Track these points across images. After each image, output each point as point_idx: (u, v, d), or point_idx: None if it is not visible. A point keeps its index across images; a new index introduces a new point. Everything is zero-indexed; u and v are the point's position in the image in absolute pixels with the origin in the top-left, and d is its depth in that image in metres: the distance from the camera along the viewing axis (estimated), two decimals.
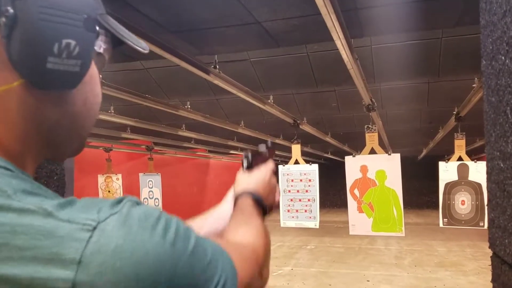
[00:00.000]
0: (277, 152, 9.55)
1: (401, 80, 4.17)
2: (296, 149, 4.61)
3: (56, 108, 0.52)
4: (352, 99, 4.42)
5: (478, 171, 4.23)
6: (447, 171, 4.35)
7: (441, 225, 4.44)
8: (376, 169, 3.91)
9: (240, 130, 5.63)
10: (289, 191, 4.39)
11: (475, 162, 4.28)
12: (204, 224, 0.88)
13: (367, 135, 4.10)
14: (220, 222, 0.87)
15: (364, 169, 3.96)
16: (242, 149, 8.93)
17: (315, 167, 4.37)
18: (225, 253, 0.51)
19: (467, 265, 7.24)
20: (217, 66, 3.02)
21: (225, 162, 13.46)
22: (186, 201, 10.29)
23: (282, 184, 4.41)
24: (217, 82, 3.12)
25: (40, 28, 0.46)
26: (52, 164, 1.35)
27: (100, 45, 0.55)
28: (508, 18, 0.93)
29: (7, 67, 0.47)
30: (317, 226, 4.33)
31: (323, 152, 11.05)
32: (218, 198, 1.01)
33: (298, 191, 4.36)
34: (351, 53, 2.52)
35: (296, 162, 4.53)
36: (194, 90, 4.31)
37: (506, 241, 0.99)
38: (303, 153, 4.97)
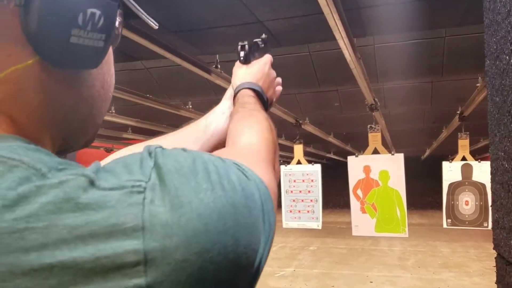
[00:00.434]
0: (279, 152, 9.52)
1: (404, 80, 4.15)
2: (298, 149, 4.59)
3: (74, 90, 0.47)
4: (355, 98, 4.40)
5: (482, 171, 4.20)
6: (451, 171, 4.32)
7: (445, 225, 4.41)
8: (379, 169, 3.89)
9: None
10: (292, 191, 4.38)
11: (479, 162, 4.26)
12: (208, 127, 0.87)
13: (370, 135, 4.08)
14: (223, 121, 0.85)
15: (367, 169, 3.94)
16: None
17: (317, 167, 4.35)
18: (248, 170, 0.47)
19: (471, 266, 7.20)
20: (219, 66, 3.01)
21: None
22: None
23: (284, 185, 4.39)
24: (218, 82, 3.11)
25: None
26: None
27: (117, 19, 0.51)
28: None
29: (20, 42, 0.41)
30: (320, 227, 4.31)
31: (325, 152, 11.04)
32: None
33: (300, 191, 4.35)
34: (353, 52, 2.50)
35: (299, 163, 4.52)
36: (196, 90, 4.30)
37: (511, 242, 0.97)
38: (306, 153, 4.95)
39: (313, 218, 4.31)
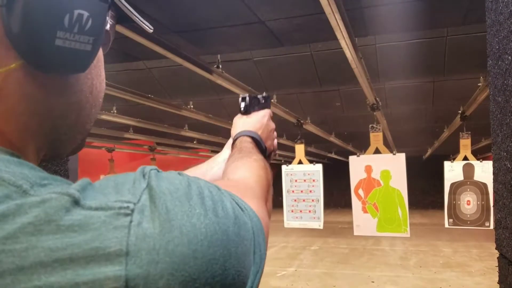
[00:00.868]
0: (280, 152, 9.54)
1: (405, 79, 4.15)
2: (299, 149, 4.59)
3: (60, 96, 0.44)
4: (356, 98, 4.39)
5: (483, 171, 4.19)
6: (452, 171, 4.31)
7: (446, 225, 4.40)
8: (381, 169, 3.89)
9: None
10: (293, 191, 4.38)
11: (480, 161, 4.24)
12: (208, 172, 0.87)
13: (371, 134, 4.07)
14: (222, 167, 0.85)
15: (368, 169, 3.94)
16: None
17: (319, 167, 4.35)
18: (242, 201, 0.46)
19: (473, 265, 7.19)
20: (220, 66, 3.01)
21: None
22: None
23: (285, 185, 4.39)
24: (220, 82, 3.11)
25: None
26: (56, 165, 1.33)
27: (107, 21, 0.48)
28: None
29: (3, 45, 0.39)
30: (321, 227, 4.31)
31: (327, 152, 11.02)
32: None
33: (302, 191, 4.34)
34: (355, 52, 2.50)
35: (300, 162, 4.51)
36: (197, 90, 4.30)
37: None
38: (307, 153, 4.95)
39: (314, 218, 4.31)
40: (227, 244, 0.37)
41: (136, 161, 8.61)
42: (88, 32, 0.42)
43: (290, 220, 4.37)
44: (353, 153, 4.06)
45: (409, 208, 3.88)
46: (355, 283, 6.32)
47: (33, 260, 0.31)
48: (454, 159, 4.40)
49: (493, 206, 1.05)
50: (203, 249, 0.35)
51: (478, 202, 4.23)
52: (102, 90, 0.52)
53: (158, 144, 7.50)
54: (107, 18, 0.47)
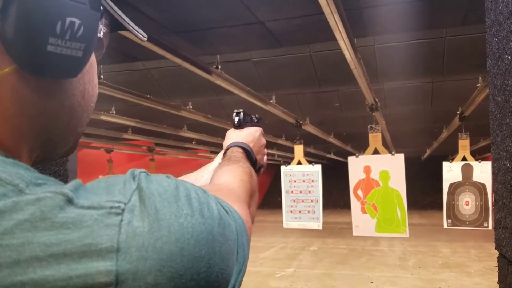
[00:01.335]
0: (279, 153, 9.54)
1: (404, 80, 4.15)
2: (298, 149, 4.59)
3: (52, 100, 0.46)
4: (355, 99, 4.40)
5: (482, 172, 4.19)
6: (451, 172, 4.32)
7: (445, 226, 4.40)
8: (380, 169, 3.89)
9: None
10: (292, 191, 4.37)
11: (479, 162, 4.25)
12: (198, 180, 0.90)
13: (370, 135, 4.07)
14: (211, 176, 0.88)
15: (367, 169, 3.94)
16: None
17: (318, 167, 4.35)
18: (226, 203, 0.49)
19: (472, 266, 7.19)
20: (219, 66, 3.01)
21: None
22: None
23: (284, 185, 4.39)
24: (219, 82, 3.11)
25: (43, 1, 0.40)
26: (55, 166, 1.33)
27: (100, 29, 0.50)
28: None
29: None
30: (320, 227, 4.31)
31: (326, 153, 11.03)
32: None
33: (301, 191, 4.34)
34: (354, 52, 2.50)
35: (299, 163, 4.51)
36: (196, 91, 4.30)
37: None
38: (306, 154, 4.95)
39: (313, 219, 4.31)
40: (212, 243, 0.40)
41: (135, 162, 8.60)
42: (79, 39, 0.43)
43: (289, 220, 4.37)
44: (352, 154, 4.06)
45: (408, 208, 3.88)
46: (354, 284, 6.32)
47: (29, 254, 0.33)
48: (452, 159, 4.41)
49: (493, 206, 1.06)
50: (189, 247, 0.37)
51: (477, 203, 4.24)
52: (95, 95, 0.53)
53: (157, 144, 7.50)
54: (100, 26, 0.49)
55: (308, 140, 7.13)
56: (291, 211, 4.36)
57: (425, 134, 7.65)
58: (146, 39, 0.59)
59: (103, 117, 4.22)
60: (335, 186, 14.86)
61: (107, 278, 0.33)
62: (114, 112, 4.36)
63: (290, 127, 5.01)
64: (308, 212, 4.31)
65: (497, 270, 1.14)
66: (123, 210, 0.37)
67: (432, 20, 2.72)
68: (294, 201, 4.36)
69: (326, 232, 10.19)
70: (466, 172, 4.27)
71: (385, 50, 3.40)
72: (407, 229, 3.85)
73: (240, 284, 0.46)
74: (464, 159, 4.36)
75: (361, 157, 4.01)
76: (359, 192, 3.98)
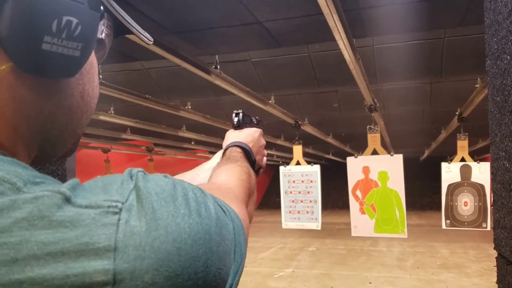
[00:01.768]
0: (278, 153, 9.54)
1: (403, 81, 4.16)
2: (297, 150, 4.59)
3: (50, 100, 0.45)
4: (354, 99, 4.40)
5: (481, 172, 4.20)
6: (449, 172, 4.32)
7: (443, 226, 4.41)
8: (378, 170, 3.89)
9: None
10: (291, 192, 4.38)
11: (478, 163, 4.26)
12: (195, 179, 0.90)
13: (369, 135, 4.08)
14: (208, 174, 0.88)
15: (366, 170, 3.94)
16: None
17: (316, 168, 4.35)
18: (224, 203, 0.49)
19: (470, 266, 7.20)
20: (218, 67, 3.01)
21: None
22: None
23: (283, 185, 4.39)
24: (218, 82, 3.11)
25: None
26: (53, 165, 1.33)
27: (102, 30, 0.49)
28: None
29: None
30: (319, 228, 4.31)
31: (324, 153, 11.04)
32: None
33: (299, 192, 4.34)
34: (353, 53, 2.51)
35: (298, 163, 4.51)
36: (195, 91, 4.30)
37: None
38: (305, 154, 4.95)
39: (312, 219, 4.31)
40: (209, 243, 0.40)
41: (134, 162, 8.60)
42: (77, 39, 0.43)
43: (288, 221, 4.37)
44: (350, 154, 4.06)
45: (407, 209, 3.89)
46: (353, 284, 6.32)
47: (26, 253, 0.33)
48: (451, 160, 4.41)
49: (492, 206, 1.06)
50: (186, 247, 0.37)
51: (475, 203, 4.24)
52: (95, 96, 0.53)
53: (156, 145, 7.49)
54: (101, 26, 0.48)
55: (307, 141, 7.14)
56: (290, 212, 4.36)
57: (423, 134, 7.66)
58: (151, 42, 0.59)
59: (101, 117, 4.22)
60: (334, 187, 14.89)
61: (105, 277, 0.33)
62: (112, 112, 4.35)
63: (289, 127, 5.01)
64: (307, 212, 4.31)
65: (495, 270, 1.14)
66: (120, 209, 0.36)
67: (430, 21, 2.72)
68: (293, 201, 4.36)
69: (324, 233, 10.20)
70: (465, 173, 4.28)
71: (384, 50, 3.40)
72: (405, 229, 3.86)
73: (237, 284, 0.46)
74: (462, 159, 4.37)
75: (359, 157, 4.01)
76: (358, 193, 3.98)
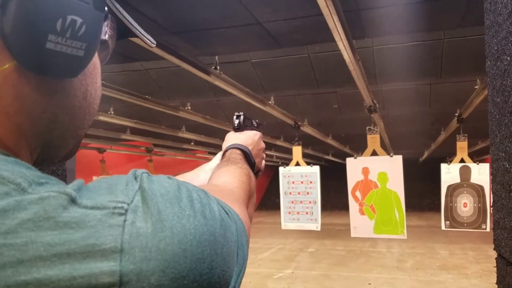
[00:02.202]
0: (277, 154, 9.54)
1: (403, 82, 4.16)
2: (297, 150, 4.59)
3: (53, 99, 0.45)
4: (354, 100, 4.40)
5: (480, 173, 4.20)
6: (449, 173, 4.32)
7: (443, 227, 4.41)
8: (378, 171, 3.89)
9: None
10: (290, 193, 4.37)
11: (477, 164, 4.26)
12: (195, 179, 0.90)
13: (368, 136, 4.08)
14: (209, 176, 0.88)
15: (365, 171, 3.94)
16: None
17: (316, 169, 4.35)
18: (226, 205, 0.49)
19: (470, 268, 7.20)
20: (218, 67, 3.01)
21: None
22: None
23: (283, 186, 4.39)
24: (217, 83, 3.11)
25: None
26: (53, 165, 1.33)
27: (105, 31, 0.49)
28: None
29: None
30: (319, 229, 4.31)
31: (324, 154, 11.04)
32: None
33: (299, 193, 4.34)
34: (352, 54, 2.51)
35: (297, 164, 4.51)
36: (195, 91, 4.30)
37: None
38: (304, 155, 4.95)
39: (311, 220, 4.31)
40: (214, 244, 0.40)
41: (133, 163, 8.59)
42: (81, 38, 0.43)
43: (287, 221, 4.37)
44: (350, 155, 4.06)
45: (406, 210, 3.89)
46: (352, 285, 6.32)
47: (32, 254, 0.32)
48: (451, 161, 4.42)
49: (491, 207, 1.06)
50: (192, 248, 0.37)
51: (475, 205, 4.24)
52: (98, 97, 0.53)
53: (155, 145, 7.49)
54: (105, 27, 0.48)
55: (307, 142, 7.14)
56: (289, 212, 4.36)
57: (423, 136, 7.66)
58: (154, 45, 0.58)
59: (101, 118, 4.22)
60: (333, 188, 14.87)
61: (111, 278, 0.33)
62: (112, 112, 4.35)
63: (288, 128, 5.01)
64: (306, 213, 4.31)
65: (495, 271, 1.14)
66: (126, 210, 0.36)
67: (430, 22, 2.73)
68: (292, 202, 4.36)
69: (324, 234, 10.20)
70: (464, 174, 4.28)
71: (384, 51, 3.40)
72: (405, 230, 3.86)
73: (239, 285, 0.46)
74: (462, 161, 4.37)
75: (359, 158, 4.01)
76: (357, 194, 3.98)
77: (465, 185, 4.28)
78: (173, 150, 8.48)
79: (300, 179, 4.37)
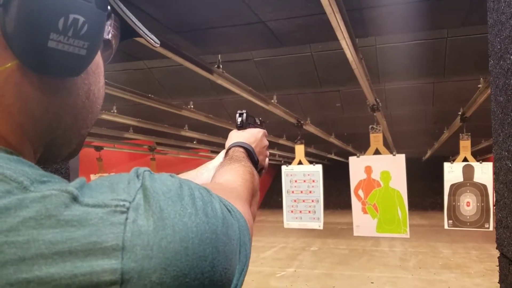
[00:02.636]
0: (280, 153, 9.54)
1: (406, 80, 4.15)
2: (299, 149, 4.59)
3: (56, 99, 0.45)
4: (357, 99, 4.40)
5: (483, 172, 4.19)
6: (452, 172, 4.31)
7: (446, 226, 4.40)
8: (381, 170, 3.89)
9: None
10: (293, 191, 4.37)
11: (480, 163, 4.25)
12: (198, 178, 0.90)
13: (371, 135, 4.07)
14: (211, 174, 0.88)
15: (368, 169, 3.94)
16: None
17: (318, 167, 4.35)
18: (229, 203, 0.49)
19: (472, 267, 7.19)
20: (221, 66, 3.01)
21: None
22: None
23: (285, 185, 4.39)
24: (220, 82, 3.11)
25: None
26: (57, 163, 1.33)
27: (108, 30, 0.49)
28: None
29: (0, 44, 0.40)
30: (321, 227, 4.31)
31: (326, 153, 11.03)
32: None
33: (301, 191, 4.34)
34: (355, 53, 2.50)
35: (300, 163, 4.51)
36: (197, 90, 4.30)
37: None
38: (307, 154, 4.95)
39: (314, 219, 4.31)
40: (216, 242, 0.40)
41: (136, 161, 8.61)
42: (83, 37, 0.42)
43: (289, 220, 4.37)
44: (353, 154, 4.06)
45: (409, 209, 3.88)
46: (355, 284, 6.32)
47: (34, 252, 0.33)
48: (453, 160, 4.40)
49: (494, 206, 1.06)
50: (194, 246, 0.37)
51: (478, 204, 4.23)
52: (101, 97, 0.53)
53: (158, 144, 7.50)
54: (108, 27, 0.48)
55: (309, 140, 7.14)
56: (292, 211, 4.36)
57: (426, 134, 7.64)
58: (158, 45, 0.58)
59: (104, 116, 4.23)
60: (336, 186, 14.85)
61: (113, 276, 0.33)
62: (115, 111, 4.36)
63: (291, 127, 5.01)
64: (309, 212, 4.32)
65: (498, 270, 1.14)
66: (128, 208, 0.36)
67: (433, 21, 2.72)
68: (295, 201, 4.36)
69: (326, 232, 10.19)
70: (467, 173, 4.27)
71: (387, 50, 3.40)
72: (407, 229, 3.85)
73: (242, 284, 0.46)
74: (465, 160, 4.36)
75: (362, 157, 4.01)
76: (360, 193, 3.98)
77: (468, 184, 4.27)
78: (175, 148, 8.49)
79: (302, 177, 4.37)
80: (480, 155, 8.88)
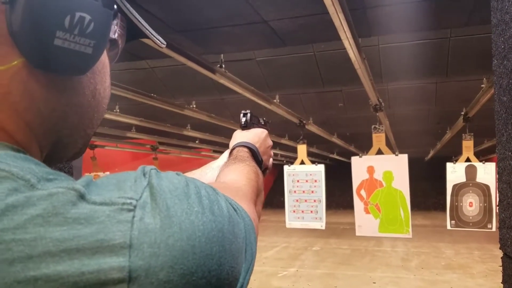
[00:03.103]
0: (282, 153, 9.54)
1: (408, 80, 4.14)
2: (301, 149, 4.58)
3: (62, 97, 0.45)
4: (359, 99, 4.39)
5: (486, 173, 4.18)
6: (454, 172, 4.30)
7: (448, 227, 4.39)
8: (383, 170, 3.88)
9: None
10: (295, 191, 4.37)
11: (483, 163, 4.23)
12: (203, 177, 0.90)
13: (374, 135, 4.06)
14: (216, 173, 0.88)
15: (371, 169, 3.93)
16: None
17: (321, 167, 4.34)
18: (234, 202, 0.49)
19: (475, 267, 7.17)
20: (223, 66, 3.01)
21: None
22: None
23: (287, 185, 4.39)
24: (222, 81, 3.11)
25: None
26: (61, 163, 1.33)
27: (115, 30, 0.49)
28: None
29: (7, 42, 0.40)
30: (323, 227, 4.30)
31: (329, 153, 11.02)
32: None
33: (303, 191, 4.34)
34: (358, 52, 2.50)
35: (302, 163, 4.51)
36: (200, 90, 4.31)
37: None
38: (309, 154, 4.95)
39: (316, 219, 4.30)
40: (223, 241, 0.40)
41: (139, 160, 8.62)
42: (89, 36, 0.43)
43: (292, 220, 4.37)
44: (355, 154, 4.05)
45: (411, 209, 3.87)
46: (357, 284, 6.31)
47: (41, 249, 0.33)
48: (456, 160, 4.39)
49: (497, 206, 1.05)
50: (200, 244, 0.37)
51: (481, 204, 4.22)
52: (107, 96, 0.53)
53: (161, 143, 7.51)
54: (114, 26, 0.48)
55: (311, 140, 7.13)
56: (294, 211, 4.36)
57: (429, 134, 7.63)
58: (164, 45, 0.59)
59: (107, 116, 4.24)
60: (338, 186, 14.84)
61: (120, 274, 0.33)
62: (118, 110, 4.37)
63: (293, 126, 5.00)
64: (311, 212, 4.31)
65: (501, 270, 1.14)
66: (135, 206, 0.36)
67: (436, 21, 2.71)
68: (297, 201, 4.35)
69: (328, 232, 10.19)
70: (470, 173, 4.25)
71: (390, 50, 3.39)
72: (410, 229, 3.84)
73: (248, 282, 0.46)
74: (468, 160, 4.34)
75: (364, 157, 4.00)
76: (362, 192, 3.97)
77: (470, 184, 4.26)
78: (178, 148, 8.50)
79: (305, 177, 4.36)
80: (482, 156, 8.84)
